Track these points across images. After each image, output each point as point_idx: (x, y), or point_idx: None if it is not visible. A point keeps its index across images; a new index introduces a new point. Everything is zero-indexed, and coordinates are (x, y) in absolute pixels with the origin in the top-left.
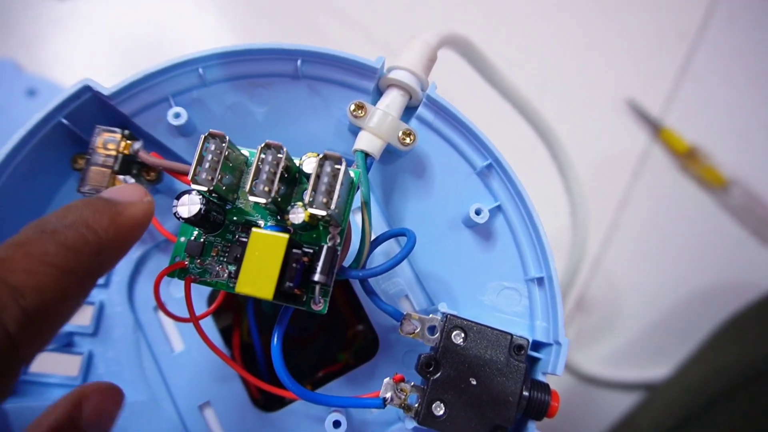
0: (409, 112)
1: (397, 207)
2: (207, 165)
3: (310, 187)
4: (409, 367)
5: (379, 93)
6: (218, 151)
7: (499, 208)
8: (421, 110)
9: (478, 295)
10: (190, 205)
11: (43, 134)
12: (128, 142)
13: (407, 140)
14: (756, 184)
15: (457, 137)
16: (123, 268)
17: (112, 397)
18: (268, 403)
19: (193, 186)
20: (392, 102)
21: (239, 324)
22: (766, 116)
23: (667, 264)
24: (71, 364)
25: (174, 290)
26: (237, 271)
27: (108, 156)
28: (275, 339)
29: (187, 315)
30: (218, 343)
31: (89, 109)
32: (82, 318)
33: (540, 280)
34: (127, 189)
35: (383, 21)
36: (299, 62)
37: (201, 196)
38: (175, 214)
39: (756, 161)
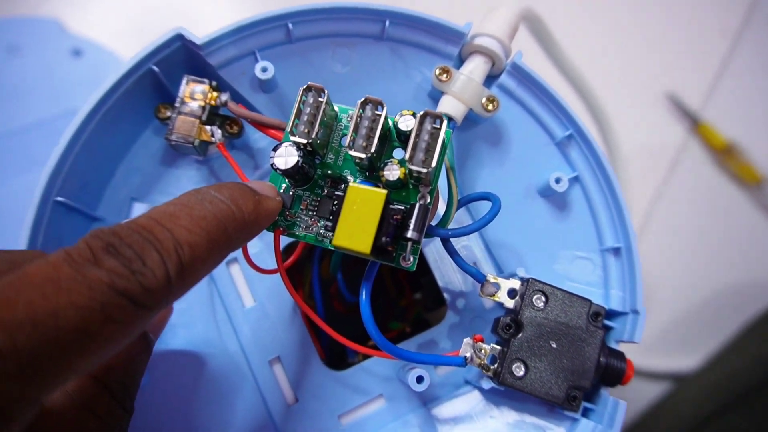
0: (488, 80)
1: (470, 174)
2: (305, 118)
3: (410, 144)
4: (476, 333)
5: (460, 60)
6: (315, 105)
7: (576, 178)
8: (504, 78)
9: (550, 264)
10: (287, 157)
11: (133, 80)
12: (215, 93)
13: (490, 107)
14: None
15: (538, 106)
16: None
17: None
18: (330, 362)
19: (291, 138)
20: (476, 68)
21: (301, 285)
22: None
23: (698, 258)
24: None
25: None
26: (333, 226)
27: (196, 106)
28: (363, 295)
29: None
30: (289, 299)
31: (177, 58)
32: None
33: (617, 251)
34: (266, 185)
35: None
36: (387, 23)
37: (297, 148)
38: (272, 165)
39: None
